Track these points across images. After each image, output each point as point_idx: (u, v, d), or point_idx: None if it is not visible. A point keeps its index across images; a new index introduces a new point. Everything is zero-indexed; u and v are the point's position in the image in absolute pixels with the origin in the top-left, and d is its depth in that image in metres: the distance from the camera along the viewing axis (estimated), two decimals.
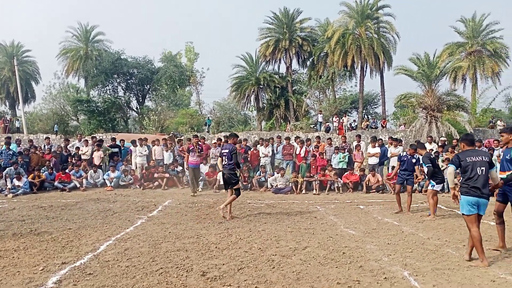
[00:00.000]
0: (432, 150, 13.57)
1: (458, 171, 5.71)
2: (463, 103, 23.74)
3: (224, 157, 8.84)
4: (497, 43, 33.29)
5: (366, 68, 33.48)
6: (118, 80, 38.68)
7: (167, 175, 14.16)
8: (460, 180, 6.23)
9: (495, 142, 13.86)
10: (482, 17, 34.07)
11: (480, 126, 27.78)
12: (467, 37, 34.51)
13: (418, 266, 5.26)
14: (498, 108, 39.01)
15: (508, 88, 39.03)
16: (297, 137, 15.53)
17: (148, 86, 39.46)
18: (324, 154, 14.51)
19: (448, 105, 22.76)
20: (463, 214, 5.46)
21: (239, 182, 9.21)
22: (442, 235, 7.03)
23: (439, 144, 15.00)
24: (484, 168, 5.39)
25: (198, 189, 13.06)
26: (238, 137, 9.75)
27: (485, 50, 33.52)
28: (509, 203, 5.93)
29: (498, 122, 29.65)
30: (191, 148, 12.59)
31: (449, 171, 5.61)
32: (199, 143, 13.30)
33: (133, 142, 15.52)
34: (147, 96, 41.09)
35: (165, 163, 14.95)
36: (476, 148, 5.80)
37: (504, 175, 5.88)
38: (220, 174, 13.74)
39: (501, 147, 13.03)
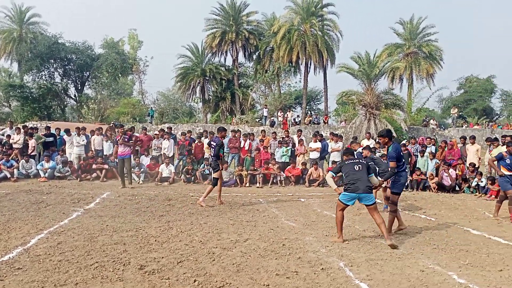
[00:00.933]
0: (369, 146, 14.13)
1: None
2: (400, 102, 24.92)
3: (212, 149, 9.72)
4: (432, 46, 35.38)
5: (310, 64, 34.17)
6: (54, 66, 36.69)
7: (106, 166, 13.64)
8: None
9: (428, 139, 14.73)
10: (419, 20, 36.11)
11: (414, 124, 29.39)
12: (405, 38, 36.37)
13: (353, 257, 5.49)
14: (431, 107, 41.60)
15: (441, 89, 41.77)
16: (238, 130, 15.52)
17: (87, 73, 37.73)
18: (268, 147, 14.68)
19: (386, 103, 23.78)
20: (339, 200, 6.40)
21: (218, 172, 9.55)
22: (377, 227, 7.35)
23: (377, 140, 15.65)
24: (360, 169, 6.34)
25: (132, 182, 12.64)
26: (226, 131, 10.18)
27: (421, 52, 35.52)
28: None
29: (431, 121, 31.60)
30: (118, 139, 12.14)
31: (328, 176, 6.90)
32: (127, 133, 12.62)
33: (67, 131, 14.76)
34: (86, 84, 39.29)
35: (104, 154, 14.39)
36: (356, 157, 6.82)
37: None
38: (162, 166, 13.59)
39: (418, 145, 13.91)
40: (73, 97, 38.44)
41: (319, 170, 13.72)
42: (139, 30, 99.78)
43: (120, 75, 39.49)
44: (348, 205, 6.38)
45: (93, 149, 14.39)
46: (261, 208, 9.13)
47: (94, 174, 13.50)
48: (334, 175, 6.76)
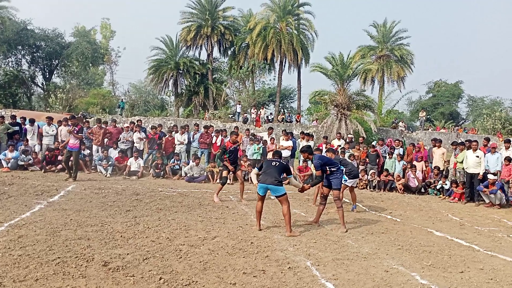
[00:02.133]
0: (339, 146, 14.34)
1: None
2: (371, 104, 25.38)
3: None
4: (404, 50, 36.17)
5: (285, 62, 34.30)
6: (22, 52, 35.36)
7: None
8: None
9: (396, 141, 15.04)
10: (392, 24, 36.79)
11: (384, 126, 29.99)
12: (378, 41, 37.03)
13: (320, 256, 5.54)
14: (400, 110, 42.54)
15: (410, 92, 42.83)
16: (210, 126, 15.40)
17: (56, 61, 36.52)
18: (241, 144, 14.64)
19: (357, 104, 24.16)
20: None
21: (225, 171, 9.92)
22: (344, 227, 7.46)
23: (347, 140, 15.89)
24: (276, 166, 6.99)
25: (100, 174, 12.33)
26: (237, 135, 10.45)
27: (393, 55, 36.26)
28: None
29: (400, 123, 32.32)
30: (71, 129, 11.69)
31: (253, 172, 7.60)
32: (77, 125, 11.99)
33: (32, 121, 14.25)
34: (55, 72, 38.05)
35: None
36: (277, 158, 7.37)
37: None
38: (131, 159, 13.34)
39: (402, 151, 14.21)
40: (41, 86, 37.17)
41: (290, 169, 13.78)
42: (112, 19, 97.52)
43: (90, 64, 38.49)
44: (261, 195, 6.90)
45: (60, 140, 13.97)
46: (231, 205, 9.10)
47: (60, 166, 13.11)
48: (258, 171, 7.26)
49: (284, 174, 7.12)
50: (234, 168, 9.90)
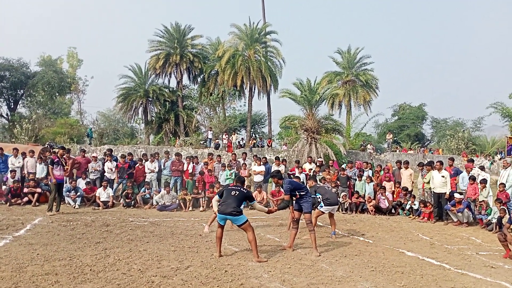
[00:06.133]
0: (311, 169, 14.51)
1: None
2: (339, 127, 25.88)
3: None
4: (368, 75, 37.36)
5: (254, 89, 34.68)
6: None
7: (39, 190, 12.83)
8: None
9: (365, 164, 15.34)
10: (356, 50, 38.07)
11: (353, 148, 30.60)
12: (343, 67, 38.15)
13: (295, 281, 5.52)
14: (368, 133, 43.57)
15: (377, 115, 44.15)
16: (178, 154, 15.28)
17: (21, 91, 35.77)
18: (213, 171, 14.57)
19: (326, 128, 24.59)
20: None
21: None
22: (318, 252, 7.49)
23: (317, 164, 16.08)
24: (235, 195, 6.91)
25: (68, 206, 11.97)
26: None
27: (358, 80, 37.38)
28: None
29: (368, 146, 33.07)
30: (55, 160, 11.31)
31: (214, 199, 7.49)
32: (64, 156, 11.94)
33: None
34: (20, 102, 37.18)
35: (37, 177, 13.56)
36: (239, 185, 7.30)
37: None
38: (99, 190, 13.04)
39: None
40: (5, 116, 36.15)
41: (263, 193, 13.80)
42: (79, 48, 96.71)
43: (57, 94, 37.83)
44: (222, 224, 6.88)
45: (26, 172, 13.54)
46: (204, 233, 8.98)
47: (26, 199, 12.66)
48: (220, 198, 7.18)
49: (247, 201, 7.14)
50: None
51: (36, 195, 12.69)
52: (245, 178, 14.68)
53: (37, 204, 12.55)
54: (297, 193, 7.56)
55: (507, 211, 9.82)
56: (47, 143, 24.90)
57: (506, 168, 11.92)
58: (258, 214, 12.47)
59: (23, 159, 13.85)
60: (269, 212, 7.61)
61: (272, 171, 9.49)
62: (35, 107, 37.84)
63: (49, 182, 11.88)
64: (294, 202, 7.69)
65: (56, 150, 13.08)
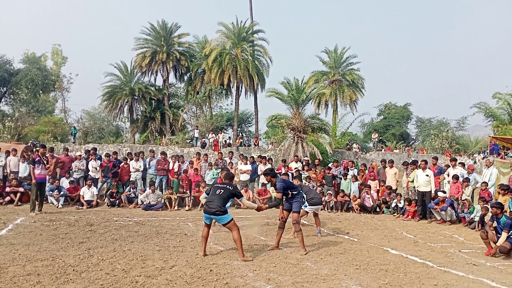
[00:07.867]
0: (297, 168, 14.55)
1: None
2: (325, 127, 26.05)
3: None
4: (355, 74, 37.66)
5: (241, 88, 34.67)
6: None
7: (21, 189, 12.62)
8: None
9: (350, 163, 15.43)
10: (343, 50, 38.32)
11: (339, 147, 30.78)
12: (330, 67, 38.38)
13: (280, 280, 5.52)
14: (354, 132, 43.91)
15: (363, 115, 44.57)
16: (163, 152, 15.17)
17: (4, 88, 35.13)
18: (199, 170, 14.50)
19: (312, 127, 24.72)
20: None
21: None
22: (303, 250, 7.50)
23: (304, 163, 16.14)
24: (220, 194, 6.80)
25: (51, 206, 11.79)
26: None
27: (344, 80, 37.65)
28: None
29: (354, 145, 33.33)
30: (36, 160, 11.06)
31: (202, 197, 7.60)
32: (46, 154, 11.77)
33: None
34: (2, 100, 36.53)
35: (19, 176, 13.33)
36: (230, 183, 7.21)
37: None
38: (83, 189, 12.88)
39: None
40: None
41: (249, 192, 13.79)
42: (64, 46, 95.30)
43: (41, 91, 37.27)
44: (207, 223, 6.89)
45: (8, 171, 13.30)
46: (189, 232, 8.93)
47: (8, 198, 12.44)
48: (207, 196, 7.11)
49: (235, 198, 7.06)
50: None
51: (18, 195, 12.49)
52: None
53: (19, 203, 12.36)
54: (289, 192, 7.53)
55: (489, 209, 9.99)
56: (30, 141, 24.54)
57: (488, 167, 12.13)
58: (243, 213, 12.49)
59: (6, 157, 13.61)
60: (259, 209, 7.43)
61: (265, 169, 9.30)
62: (18, 105, 37.28)
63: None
64: (284, 201, 7.65)
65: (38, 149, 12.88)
